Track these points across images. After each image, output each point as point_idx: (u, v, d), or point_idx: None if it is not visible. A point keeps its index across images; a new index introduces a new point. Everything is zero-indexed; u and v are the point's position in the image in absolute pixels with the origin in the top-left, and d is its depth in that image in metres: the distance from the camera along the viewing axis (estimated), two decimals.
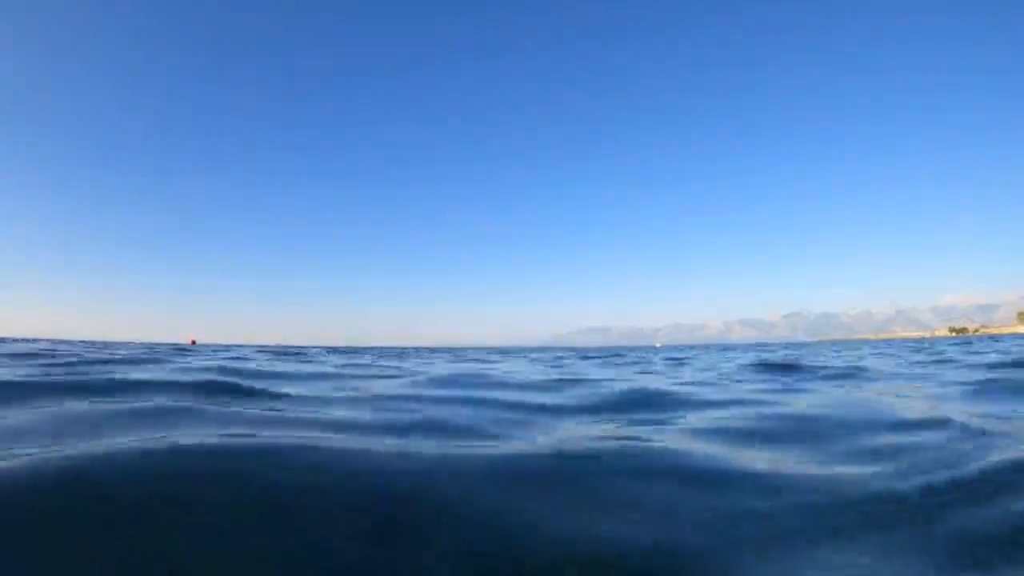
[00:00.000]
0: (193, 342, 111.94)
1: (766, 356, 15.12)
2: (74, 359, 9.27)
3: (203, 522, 1.34)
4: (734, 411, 3.91)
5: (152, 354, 13.30)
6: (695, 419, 3.60)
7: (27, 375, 5.45)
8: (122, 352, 14.04)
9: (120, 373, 6.10)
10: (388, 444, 2.13)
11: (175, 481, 1.52)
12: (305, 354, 19.77)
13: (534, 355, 22.16)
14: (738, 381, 6.88)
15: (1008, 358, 9.69)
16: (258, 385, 5.11)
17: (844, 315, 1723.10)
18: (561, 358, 18.13)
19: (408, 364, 12.05)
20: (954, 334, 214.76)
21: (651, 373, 9.12)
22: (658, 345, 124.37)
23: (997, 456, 2.09)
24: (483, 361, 14.80)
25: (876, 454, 2.39)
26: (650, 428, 3.28)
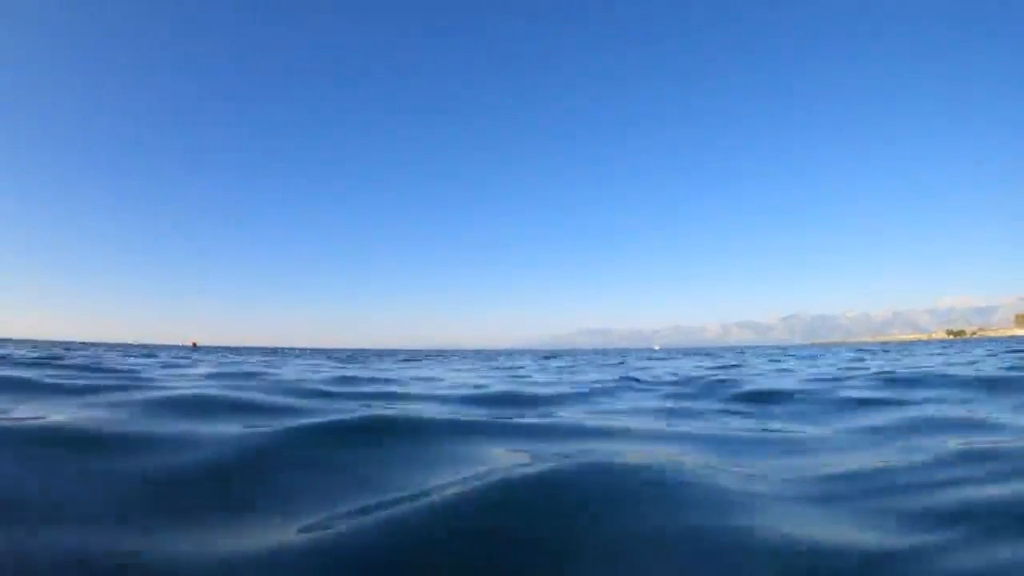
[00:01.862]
0: (195, 344, 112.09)
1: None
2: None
3: None
4: None
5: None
6: None
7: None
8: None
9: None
10: None
11: None
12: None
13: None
14: None
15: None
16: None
17: (843, 317, 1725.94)
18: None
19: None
20: (951, 336, 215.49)
21: None
22: (656, 348, 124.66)
23: None
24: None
25: None
26: None
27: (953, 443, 2.80)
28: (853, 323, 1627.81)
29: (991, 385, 5.98)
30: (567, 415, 4.46)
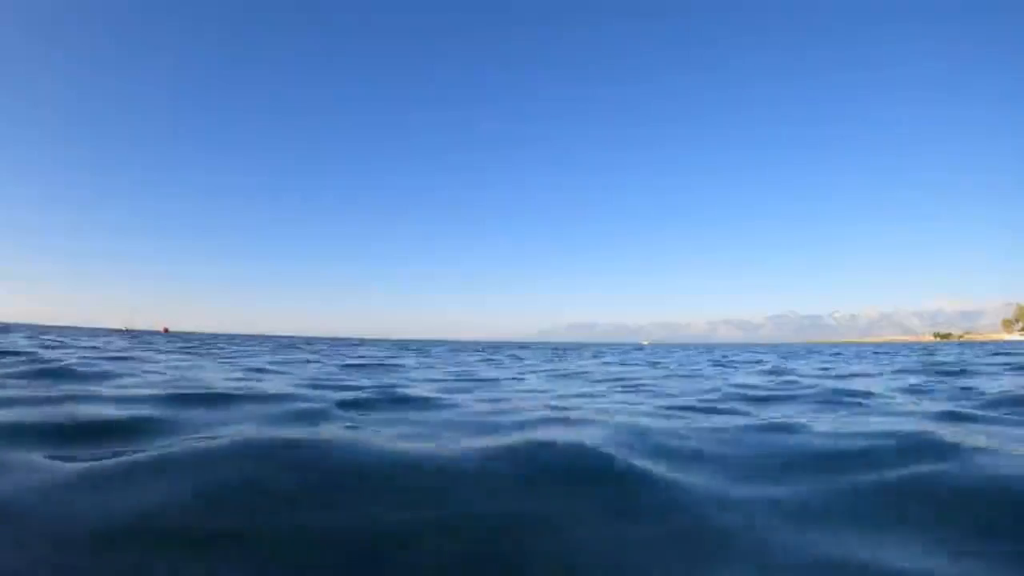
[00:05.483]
0: (166, 330, 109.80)
1: None
2: None
3: None
4: None
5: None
6: None
7: None
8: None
9: None
10: None
11: None
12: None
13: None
14: None
15: None
16: None
17: (830, 317, 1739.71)
18: None
19: None
20: (938, 339, 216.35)
21: None
22: (644, 343, 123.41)
23: None
24: None
25: None
26: None
27: None
28: (841, 323, 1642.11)
29: None
30: None
